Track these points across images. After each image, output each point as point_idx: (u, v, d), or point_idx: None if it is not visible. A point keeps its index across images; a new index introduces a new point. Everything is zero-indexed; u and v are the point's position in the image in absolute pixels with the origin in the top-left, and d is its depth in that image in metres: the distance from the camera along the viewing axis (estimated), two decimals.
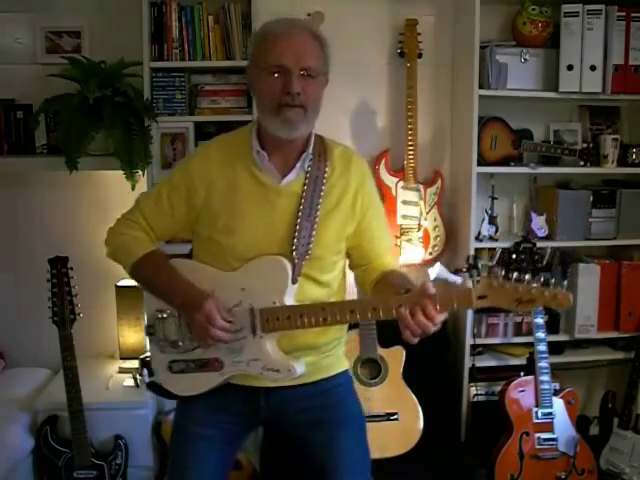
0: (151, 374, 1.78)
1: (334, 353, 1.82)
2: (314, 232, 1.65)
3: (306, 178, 1.67)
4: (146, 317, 1.77)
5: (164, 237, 1.79)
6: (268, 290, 1.62)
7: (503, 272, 1.48)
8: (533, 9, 2.79)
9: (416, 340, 1.51)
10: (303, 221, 1.64)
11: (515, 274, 1.47)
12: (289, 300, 1.63)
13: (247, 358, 1.64)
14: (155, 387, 1.77)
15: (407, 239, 2.85)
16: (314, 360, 1.74)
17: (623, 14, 2.78)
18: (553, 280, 1.46)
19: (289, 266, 1.63)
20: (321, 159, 1.70)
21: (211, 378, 1.68)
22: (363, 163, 1.79)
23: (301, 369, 1.65)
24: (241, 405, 1.75)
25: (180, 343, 1.69)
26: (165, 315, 1.70)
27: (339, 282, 1.79)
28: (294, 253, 1.63)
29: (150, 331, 1.73)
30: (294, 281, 1.64)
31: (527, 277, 1.46)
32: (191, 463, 1.74)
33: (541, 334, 2.67)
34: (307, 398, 1.76)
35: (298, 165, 1.68)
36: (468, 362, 2.86)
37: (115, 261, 1.77)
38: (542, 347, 2.66)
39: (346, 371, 1.87)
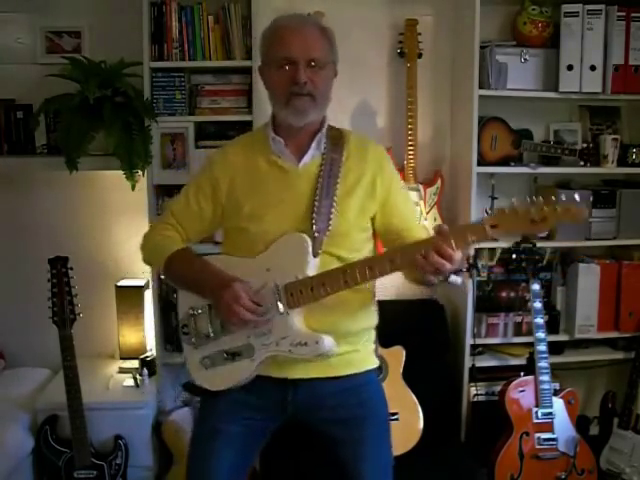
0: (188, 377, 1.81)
1: (364, 348, 1.83)
2: (333, 209, 1.71)
3: (323, 159, 1.75)
4: (180, 317, 1.81)
5: (195, 236, 1.86)
6: (290, 266, 1.67)
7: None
8: (533, 9, 2.79)
9: (437, 279, 1.58)
10: (322, 198, 1.71)
11: (527, 198, 1.46)
12: (310, 274, 1.66)
13: (276, 338, 1.67)
14: (190, 387, 1.82)
15: None
16: (344, 351, 1.75)
17: (623, 14, 2.78)
18: (564, 197, 1.43)
19: (308, 240, 1.67)
20: (337, 144, 1.78)
21: (243, 367, 1.71)
22: (379, 150, 1.86)
23: (329, 343, 1.66)
24: (267, 399, 1.77)
25: (211, 335, 1.73)
26: (198, 311, 1.75)
27: None
28: (314, 227, 1.68)
29: (184, 330, 1.78)
30: (315, 254, 1.67)
31: (540, 199, 1.45)
32: (210, 457, 1.75)
33: (541, 334, 2.67)
34: (335, 394, 1.77)
35: (313, 146, 1.76)
36: (468, 362, 2.86)
37: (150, 264, 1.88)
38: (542, 347, 2.66)
39: (375, 369, 1.87)
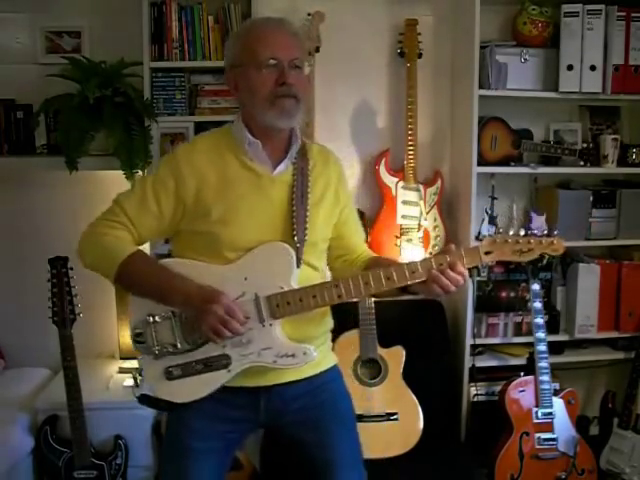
0: (139, 386, 1.70)
1: (324, 348, 1.84)
2: (307, 219, 1.69)
3: (294, 168, 1.72)
4: (132, 324, 1.68)
5: (146, 238, 1.73)
6: (273, 276, 1.64)
7: (501, 232, 1.69)
8: (533, 9, 2.79)
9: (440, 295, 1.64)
10: (298, 208, 1.68)
11: (512, 232, 1.69)
12: (295, 285, 1.64)
13: (258, 348, 1.63)
14: (148, 399, 1.70)
15: (407, 239, 2.85)
16: None
17: (623, 14, 2.78)
18: (545, 232, 1.71)
19: (292, 250, 1.65)
20: (303, 153, 1.75)
21: (217, 377, 1.64)
22: (339, 161, 1.86)
23: (316, 353, 1.67)
24: (239, 410, 1.73)
25: (179, 345, 1.64)
26: (158, 318, 1.64)
27: None
28: (295, 238, 1.66)
29: (139, 339, 1.66)
30: (298, 265, 1.66)
31: (522, 233, 1.69)
32: (189, 476, 1.71)
33: (541, 334, 2.67)
34: (302, 396, 1.76)
35: (288, 156, 1.72)
36: (468, 362, 2.86)
37: (95, 268, 1.69)
38: (542, 347, 2.66)
39: (335, 365, 1.88)
